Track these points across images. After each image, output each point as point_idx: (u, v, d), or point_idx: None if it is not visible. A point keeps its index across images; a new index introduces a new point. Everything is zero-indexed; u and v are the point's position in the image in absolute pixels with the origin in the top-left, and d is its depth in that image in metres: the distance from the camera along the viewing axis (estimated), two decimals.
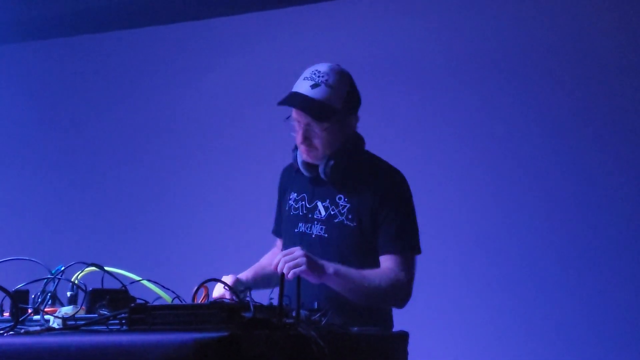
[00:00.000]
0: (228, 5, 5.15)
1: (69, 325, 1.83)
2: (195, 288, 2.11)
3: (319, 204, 2.71)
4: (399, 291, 2.59)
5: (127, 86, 5.40)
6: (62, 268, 2.10)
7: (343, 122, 2.68)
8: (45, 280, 2.05)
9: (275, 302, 1.81)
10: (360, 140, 2.77)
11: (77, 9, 5.28)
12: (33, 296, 2.03)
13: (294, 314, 1.86)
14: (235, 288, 2.39)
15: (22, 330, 1.81)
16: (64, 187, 5.40)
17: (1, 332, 1.79)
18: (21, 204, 5.46)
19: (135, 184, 5.24)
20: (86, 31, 5.51)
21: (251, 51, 5.10)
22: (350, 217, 2.65)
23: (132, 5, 5.22)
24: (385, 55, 4.75)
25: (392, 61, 4.73)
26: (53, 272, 2.09)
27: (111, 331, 1.75)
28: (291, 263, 2.38)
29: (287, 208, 2.81)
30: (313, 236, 2.69)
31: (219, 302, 2.09)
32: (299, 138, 2.67)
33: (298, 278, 2.04)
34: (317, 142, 2.66)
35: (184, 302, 2.07)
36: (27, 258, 2.21)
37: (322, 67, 2.68)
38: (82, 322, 1.81)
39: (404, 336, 2.32)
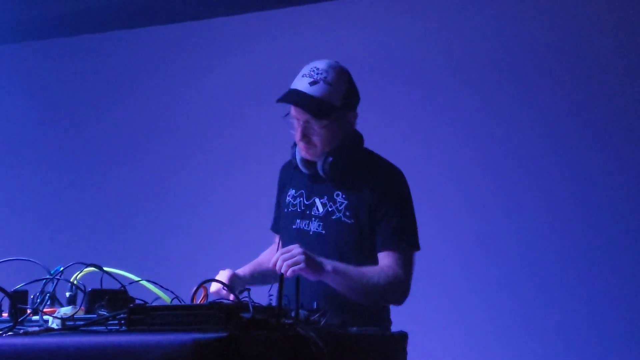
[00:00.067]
0: (228, 5, 5.15)
1: (68, 326, 1.83)
2: (194, 288, 2.10)
3: (317, 200, 2.71)
4: (397, 288, 2.59)
5: (127, 86, 5.40)
6: (61, 268, 2.10)
7: (342, 119, 2.68)
8: (44, 280, 2.05)
9: (274, 300, 1.81)
10: (359, 137, 2.77)
11: (77, 9, 5.28)
12: (32, 296, 2.03)
13: (293, 314, 1.86)
14: (232, 284, 2.39)
15: (21, 331, 1.81)
16: (63, 187, 5.40)
17: (0, 332, 1.79)
18: (20, 204, 5.46)
19: (135, 184, 5.24)
20: (86, 31, 5.52)
21: (251, 51, 5.10)
22: (347, 214, 2.65)
23: (132, 5, 5.23)
24: (385, 55, 4.75)
25: (392, 61, 4.73)
26: (52, 272, 2.09)
27: (110, 332, 1.75)
28: (290, 261, 2.38)
29: (285, 204, 2.81)
30: (311, 233, 2.69)
31: (218, 302, 2.09)
32: (297, 135, 2.67)
33: (297, 278, 2.03)
34: (315, 139, 2.66)
35: (183, 303, 2.07)
36: (26, 258, 2.21)
37: (321, 64, 2.67)
38: (81, 323, 1.81)
39: (403, 336, 2.31)
